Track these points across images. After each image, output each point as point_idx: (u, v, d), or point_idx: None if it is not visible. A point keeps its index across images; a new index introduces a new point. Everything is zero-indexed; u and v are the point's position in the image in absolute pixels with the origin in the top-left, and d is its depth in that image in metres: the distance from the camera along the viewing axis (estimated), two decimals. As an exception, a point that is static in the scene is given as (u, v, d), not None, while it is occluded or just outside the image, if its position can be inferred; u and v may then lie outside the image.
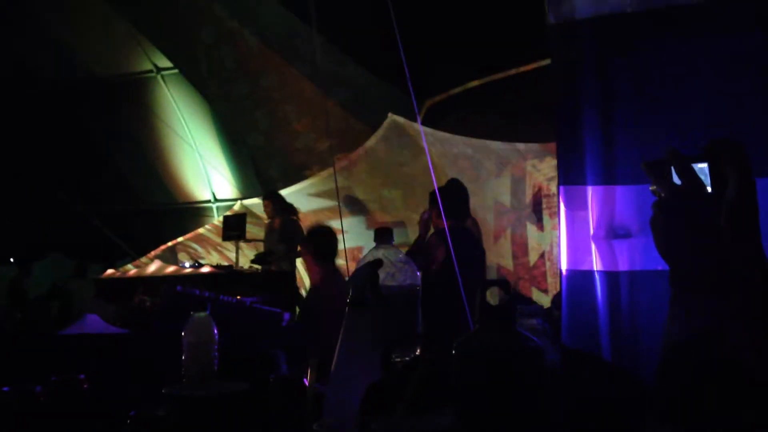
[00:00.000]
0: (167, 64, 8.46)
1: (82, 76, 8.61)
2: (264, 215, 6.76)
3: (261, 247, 6.62)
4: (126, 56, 8.48)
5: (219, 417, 1.14)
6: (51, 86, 8.62)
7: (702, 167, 1.17)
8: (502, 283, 0.87)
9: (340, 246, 4.30)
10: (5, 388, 1.31)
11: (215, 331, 1.56)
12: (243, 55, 7.71)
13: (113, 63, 8.59)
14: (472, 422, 0.90)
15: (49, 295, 8.78)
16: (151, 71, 8.61)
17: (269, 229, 6.44)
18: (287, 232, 6.21)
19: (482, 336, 0.85)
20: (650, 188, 1.18)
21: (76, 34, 8.31)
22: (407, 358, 1.41)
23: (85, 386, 1.42)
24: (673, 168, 1.16)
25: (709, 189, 1.15)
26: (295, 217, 6.42)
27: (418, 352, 1.44)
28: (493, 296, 0.95)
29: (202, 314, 1.57)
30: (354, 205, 7.11)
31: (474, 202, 4.94)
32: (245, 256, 6.81)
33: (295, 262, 6.31)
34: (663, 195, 1.16)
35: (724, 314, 1.03)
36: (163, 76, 8.62)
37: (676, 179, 1.15)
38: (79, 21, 8.16)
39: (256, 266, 6.29)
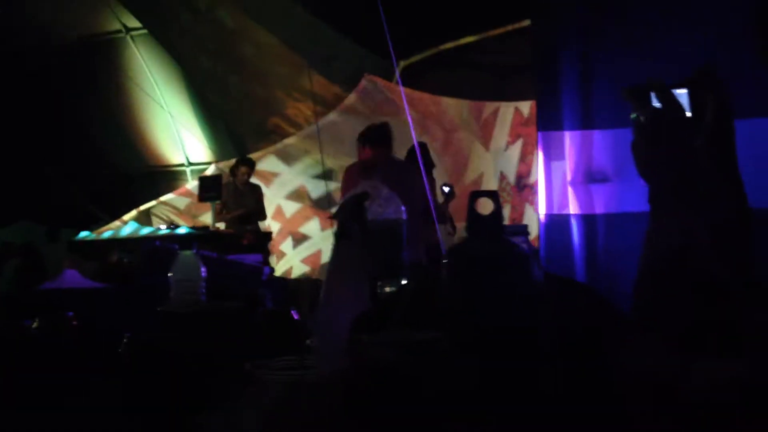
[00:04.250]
0: (136, 24, 8.26)
1: (48, 38, 8.38)
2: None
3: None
4: (93, 16, 8.26)
5: (212, 333, 1.17)
6: (15, 47, 8.37)
7: (681, 93, 1.20)
8: (491, 194, 0.90)
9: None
10: (-6, 323, 1.32)
11: (203, 269, 1.57)
12: (216, 18, 7.58)
13: (80, 23, 8.36)
14: (462, 332, 0.93)
15: (2, 254, 8.64)
16: (119, 31, 8.41)
17: (240, 193, 6.66)
18: (259, 197, 6.76)
19: (473, 243, 0.88)
20: (631, 116, 1.21)
21: (41, -6, 8.07)
22: (393, 288, 1.45)
23: (74, 323, 1.43)
24: (653, 94, 1.19)
25: (688, 114, 1.18)
26: (258, 185, 6.94)
27: (403, 282, 1.47)
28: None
29: (189, 252, 1.58)
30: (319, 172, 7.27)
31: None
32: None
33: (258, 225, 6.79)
34: (643, 119, 1.19)
35: (696, 229, 1.08)
36: (132, 37, 8.42)
37: (657, 104, 1.18)
38: (44, -20, 7.93)
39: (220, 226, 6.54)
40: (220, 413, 0.89)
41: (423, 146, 5.07)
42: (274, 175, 7.69)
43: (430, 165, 5.00)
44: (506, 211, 6.36)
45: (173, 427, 0.96)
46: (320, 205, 7.70)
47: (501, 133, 6.45)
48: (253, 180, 6.97)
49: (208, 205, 6.86)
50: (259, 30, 7.47)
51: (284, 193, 7.76)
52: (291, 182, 7.74)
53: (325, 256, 7.44)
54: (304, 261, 7.70)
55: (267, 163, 7.56)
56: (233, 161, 7.35)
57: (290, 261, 7.74)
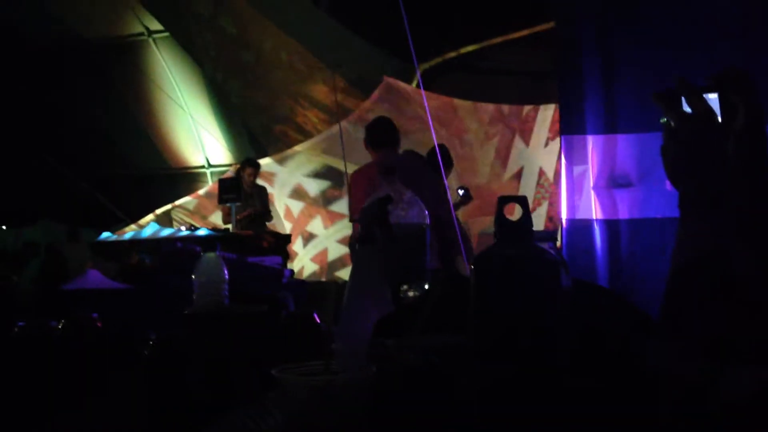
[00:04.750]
0: (159, 26, 8.34)
1: (71, 39, 8.48)
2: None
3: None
4: (116, 18, 8.35)
5: (236, 335, 1.17)
6: (38, 49, 8.48)
7: (712, 98, 1.17)
8: (520, 199, 0.89)
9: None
10: (20, 323, 1.32)
11: (225, 271, 1.57)
12: (236, 21, 7.63)
13: (103, 25, 8.45)
14: (489, 337, 0.92)
15: (25, 253, 8.76)
16: (142, 34, 8.49)
17: (247, 194, 6.74)
18: (265, 198, 6.79)
19: (501, 249, 0.87)
20: (661, 120, 1.18)
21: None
22: (417, 293, 1.44)
23: (99, 324, 1.44)
24: (683, 98, 1.16)
25: (719, 119, 1.16)
26: (264, 186, 6.98)
27: (426, 286, 1.47)
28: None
29: (212, 254, 1.59)
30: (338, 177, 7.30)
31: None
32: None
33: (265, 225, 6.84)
34: (673, 124, 1.17)
35: (729, 233, 1.05)
36: (154, 39, 8.50)
37: (687, 108, 1.16)
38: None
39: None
40: (243, 416, 0.89)
41: (442, 148, 5.05)
42: (272, 175, 7.73)
43: (449, 165, 5.00)
44: (544, 209, 6.25)
45: (197, 430, 0.96)
46: (319, 202, 7.73)
47: (541, 128, 6.35)
48: (259, 181, 7.00)
49: (216, 205, 6.92)
50: (276, 30, 7.48)
51: (286, 192, 7.80)
52: (289, 181, 7.77)
53: (331, 254, 7.47)
54: (313, 259, 7.72)
55: (263, 164, 7.61)
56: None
57: (301, 261, 7.77)
